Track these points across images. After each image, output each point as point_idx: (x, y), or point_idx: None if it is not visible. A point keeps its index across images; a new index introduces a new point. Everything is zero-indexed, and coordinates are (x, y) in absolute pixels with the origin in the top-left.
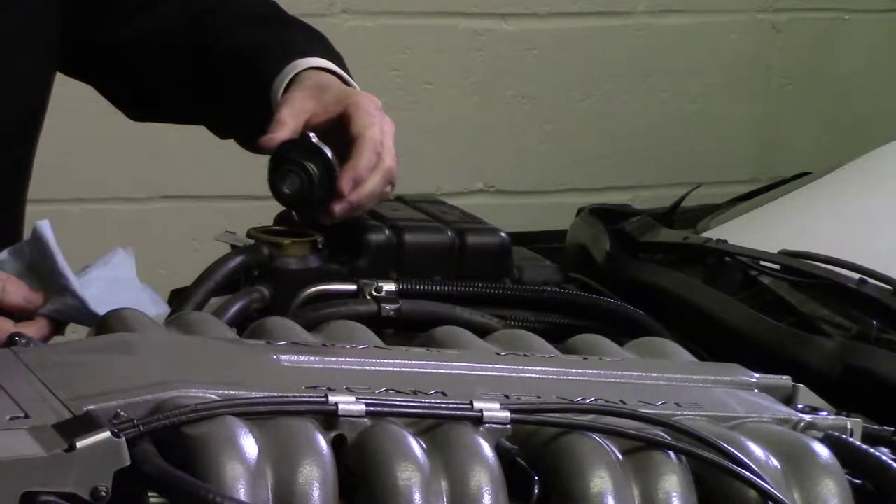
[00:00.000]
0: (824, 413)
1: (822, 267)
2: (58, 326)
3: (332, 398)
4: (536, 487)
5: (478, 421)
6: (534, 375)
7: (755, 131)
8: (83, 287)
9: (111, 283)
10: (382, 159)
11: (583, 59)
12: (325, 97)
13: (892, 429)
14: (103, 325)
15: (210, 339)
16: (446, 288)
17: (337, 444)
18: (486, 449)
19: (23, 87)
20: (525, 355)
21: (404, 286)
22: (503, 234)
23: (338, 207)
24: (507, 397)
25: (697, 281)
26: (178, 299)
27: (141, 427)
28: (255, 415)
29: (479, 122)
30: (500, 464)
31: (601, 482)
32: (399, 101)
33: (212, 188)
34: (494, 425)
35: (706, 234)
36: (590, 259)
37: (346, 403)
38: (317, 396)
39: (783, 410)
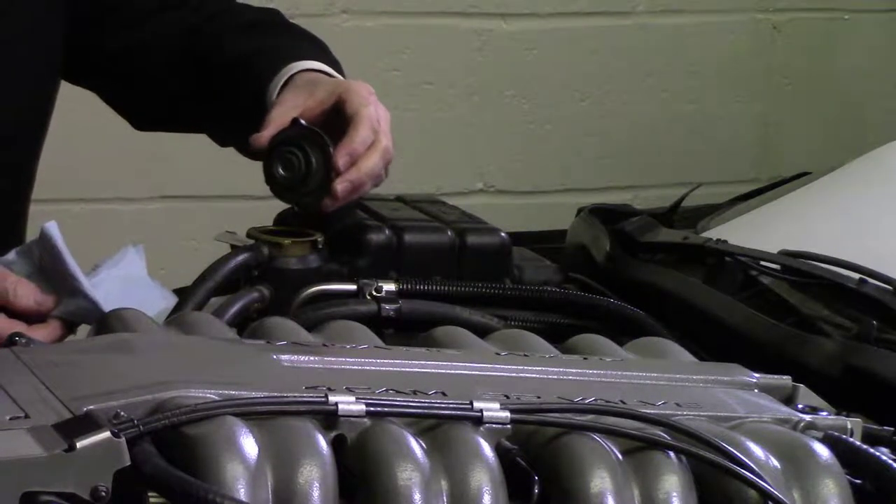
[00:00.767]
0: (824, 413)
1: (822, 267)
2: (70, 327)
3: (332, 398)
4: (536, 487)
5: (478, 421)
6: (534, 375)
7: (755, 131)
8: (94, 287)
9: (122, 281)
10: (379, 139)
11: (583, 59)
12: (317, 91)
13: (892, 429)
14: (103, 325)
15: (210, 339)
16: (446, 288)
17: (337, 444)
18: (486, 449)
19: (27, 93)
20: (525, 355)
21: (404, 286)
22: (503, 234)
23: (339, 187)
24: (507, 397)
25: (697, 281)
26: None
27: (141, 427)
28: (255, 415)
29: (479, 122)
30: (500, 464)
31: (601, 482)
32: (399, 101)
33: (212, 188)
34: (494, 425)
35: (706, 234)
36: (590, 259)
37: (346, 403)
38: (317, 396)
39: (783, 410)
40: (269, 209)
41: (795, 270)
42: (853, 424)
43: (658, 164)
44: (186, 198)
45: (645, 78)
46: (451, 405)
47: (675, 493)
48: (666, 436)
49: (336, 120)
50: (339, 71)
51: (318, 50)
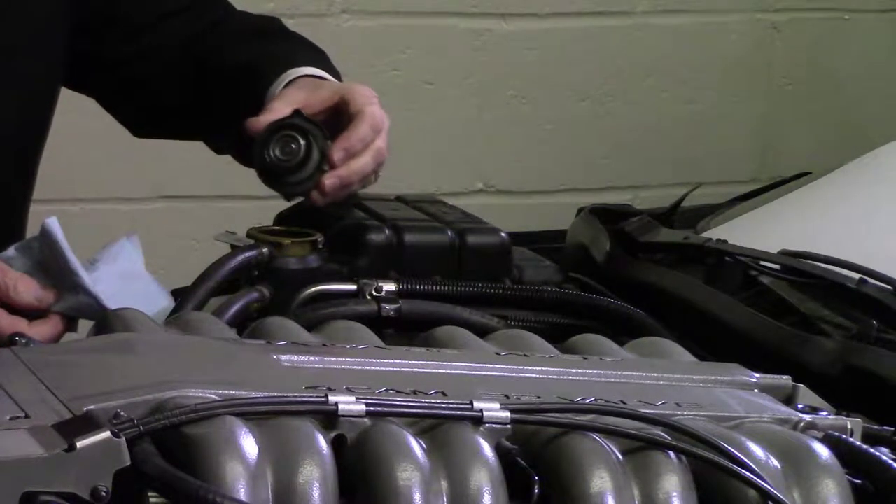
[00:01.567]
0: (824, 413)
1: (822, 267)
2: (70, 323)
3: (332, 398)
4: (536, 487)
5: (478, 421)
6: (534, 375)
7: (755, 131)
8: (94, 283)
9: (121, 276)
10: (374, 139)
11: (583, 59)
12: (320, 90)
13: (892, 429)
14: (103, 324)
15: (210, 339)
16: (446, 288)
17: (337, 444)
18: (486, 449)
19: (28, 99)
20: (525, 355)
21: (404, 286)
22: (503, 234)
23: (328, 181)
24: (507, 397)
25: (697, 281)
26: (178, 299)
27: (141, 427)
28: (255, 415)
29: (479, 122)
30: (500, 464)
31: (601, 482)
32: (399, 101)
33: (212, 188)
34: (494, 425)
35: (706, 234)
36: (590, 259)
37: (346, 403)
38: (317, 396)
39: (783, 410)
40: (269, 209)
41: (795, 270)
42: (853, 424)
43: (658, 164)
44: (186, 198)
45: (645, 78)
46: (451, 405)
47: (675, 493)
48: (666, 436)
49: (337, 120)
50: (339, 80)
51: (319, 58)
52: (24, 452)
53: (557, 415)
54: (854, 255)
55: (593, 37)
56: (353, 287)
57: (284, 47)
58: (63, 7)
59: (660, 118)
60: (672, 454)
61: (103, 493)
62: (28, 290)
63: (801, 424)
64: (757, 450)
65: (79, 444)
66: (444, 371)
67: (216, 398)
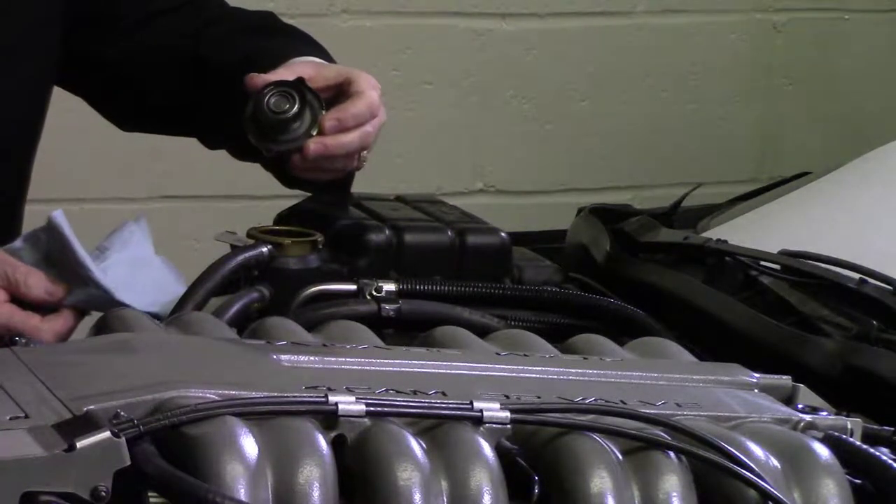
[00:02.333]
0: (824, 413)
1: (822, 267)
2: (82, 314)
3: (332, 398)
4: (536, 487)
5: (478, 421)
6: (534, 375)
7: (755, 131)
8: (104, 273)
9: (132, 264)
10: (367, 122)
11: (583, 59)
12: (325, 69)
13: (892, 429)
14: (103, 325)
15: (210, 339)
16: (446, 288)
17: (337, 444)
18: (486, 449)
19: (22, 99)
20: (525, 355)
21: (404, 286)
22: (503, 234)
23: (312, 146)
24: (507, 397)
25: (697, 281)
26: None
27: (141, 427)
28: (255, 415)
29: (479, 122)
30: (500, 464)
31: (601, 482)
32: (399, 101)
33: (212, 188)
34: (494, 425)
35: (706, 234)
36: (590, 259)
37: (346, 403)
38: (317, 396)
39: (783, 410)
40: (269, 209)
41: (795, 270)
42: (853, 424)
43: (658, 164)
44: (186, 198)
45: (645, 78)
46: (451, 405)
47: (675, 493)
48: (666, 436)
49: (338, 100)
50: None
51: (317, 51)
52: (23, 452)
53: (557, 415)
54: (854, 255)
55: (593, 37)
56: (353, 287)
57: (283, 41)
58: (57, 7)
59: (660, 118)
60: (672, 454)
61: (103, 494)
62: (38, 284)
63: (801, 424)
64: (757, 450)
65: (79, 445)
66: (444, 371)
67: (216, 398)
